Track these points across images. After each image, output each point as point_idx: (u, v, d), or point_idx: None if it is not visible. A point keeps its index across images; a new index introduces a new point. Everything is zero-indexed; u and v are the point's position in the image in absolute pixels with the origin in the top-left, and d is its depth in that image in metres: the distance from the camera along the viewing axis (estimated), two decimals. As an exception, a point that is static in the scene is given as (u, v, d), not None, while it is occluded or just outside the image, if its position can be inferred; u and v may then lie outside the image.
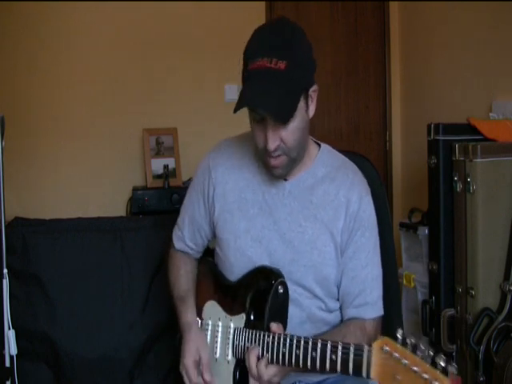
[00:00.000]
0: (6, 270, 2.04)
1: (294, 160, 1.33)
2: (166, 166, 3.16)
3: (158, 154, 3.26)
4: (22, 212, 2.74)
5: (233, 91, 3.40)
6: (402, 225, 2.78)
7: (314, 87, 1.31)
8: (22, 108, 3.23)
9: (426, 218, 2.51)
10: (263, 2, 3.56)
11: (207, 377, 1.35)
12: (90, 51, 3.33)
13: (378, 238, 1.42)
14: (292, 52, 1.23)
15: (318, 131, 3.67)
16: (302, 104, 1.27)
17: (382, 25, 3.75)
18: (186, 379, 1.38)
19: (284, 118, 1.24)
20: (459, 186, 2.16)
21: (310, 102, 1.31)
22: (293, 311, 1.35)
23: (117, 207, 3.26)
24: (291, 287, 1.34)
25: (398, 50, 3.74)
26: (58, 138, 3.31)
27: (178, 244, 1.60)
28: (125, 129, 3.38)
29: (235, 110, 1.22)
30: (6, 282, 2.03)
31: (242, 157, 1.46)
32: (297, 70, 1.23)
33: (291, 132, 1.27)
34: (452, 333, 2.21)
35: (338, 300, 1.41)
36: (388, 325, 1.44)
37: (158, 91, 3.41)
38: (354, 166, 1.46)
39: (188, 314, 1.46)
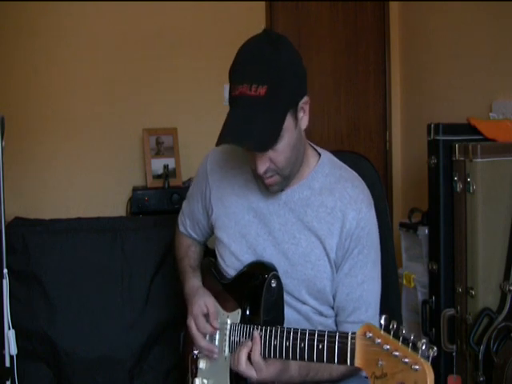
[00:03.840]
0: (6, 270, 2.04)
1: (288, 177, 1.31)
2: (166, 166, 3.16)
3: (158, 153, 3.26)
4: (22, 212, 2.74)
5: (233, 91, 3.39)
6: (401, 225, 2.78)
7: (305, 99, 1.26)
8: (22, 108, 3.23)
9: (426, 217, 2.51)
10: (263, 2, 3.56)
11: (215, 324, 1.37)
12: (90, 51, 3.34)
13: (378, 253, 1.38)
14: (273, 74, 1.18)
15: (318, 131, 3.68)
16: (289, 122, 1.22)
17: (382, 25, 3.74)
18: (193, 329, 1.39)
19: (265, 147, 1.20)
20: (459, 186, 2.16)
21: (301, 115, 1.27)
22: (289, 314, 1.35)
23: (117, 207, 3.26)
24: (286, 295, 1.34)
25: (398, 50, 3.74)
26: (57, 138, 3.32)
27: (181, 228, 1.63)
28: (125, 129, 3.38)
29: (217, 144, 1.20)
30: (5, 282, 2.03)
31: (239, 162, 1.44)
32: (280, 90, 1.18)
33: (280, 152, 1.24)
34: (452, 333, 2.21)
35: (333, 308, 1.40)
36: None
37: (158, 91, 3.41)
38: (356, 178, 1.41)
39: (196, 280, 1.50)
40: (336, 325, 1.40)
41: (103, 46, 3.36)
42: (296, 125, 1.25)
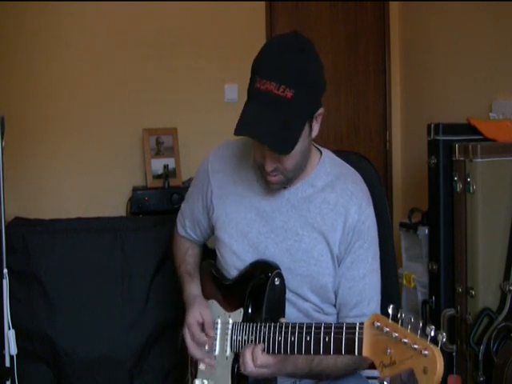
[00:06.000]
0: (6, 270, 2.04)
1: (291, 179, 1.33)
2: (165, 166, 3.16)
3: (158, 153, 3.26)
4: (22, 212, 2.74)
5: (233, 91, 3.40)
6: (401, 225, 2.78)
7: (320, 110, 1.28)
8: (22, 108, 3.23)
9: (426, 217, 2.51)
10: (263, 2, 3.56)
11: (211, 333, 1.38)
12: (90, 51, 3.34)
13: (377, 247, 1.40)
14: (303, 80, 1.19)
15: (318, 131, 3.68)
16: (305, 129, 1.25)
17: (382, 25, 3.75)
18: (188, 338, 1.40)
19: (284, 151, 1.21)
20: (459, 186, 2.16)
21: (314, 124, 1.29)
22: (290, 311, 1.36)
23: (117, 207, 3.26)
24: (288, 292, 1.35)
25: (398, 50, 3.74)
26: (57, 138, 3.32)
27: (180, 230, 1.62)
28: (125, 129, 3.38)
29: (238, 133, 1.20)
30: (5, 282, 2.03)
31: (241, 162, 1.45)
32: (305, 98, 1.19)
33: (291, 157, 1.26)
34: (452, 333, 2.21)
35: (334, 306, 1.40)
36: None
37: (158, 91, 3.41)
38: (356, 175, 1.43)
39: (193, 287, 1.50)
40: (338, 322, 1.40)
41: (103, 45, 3.35)
42: (309, 133, 1.28)
